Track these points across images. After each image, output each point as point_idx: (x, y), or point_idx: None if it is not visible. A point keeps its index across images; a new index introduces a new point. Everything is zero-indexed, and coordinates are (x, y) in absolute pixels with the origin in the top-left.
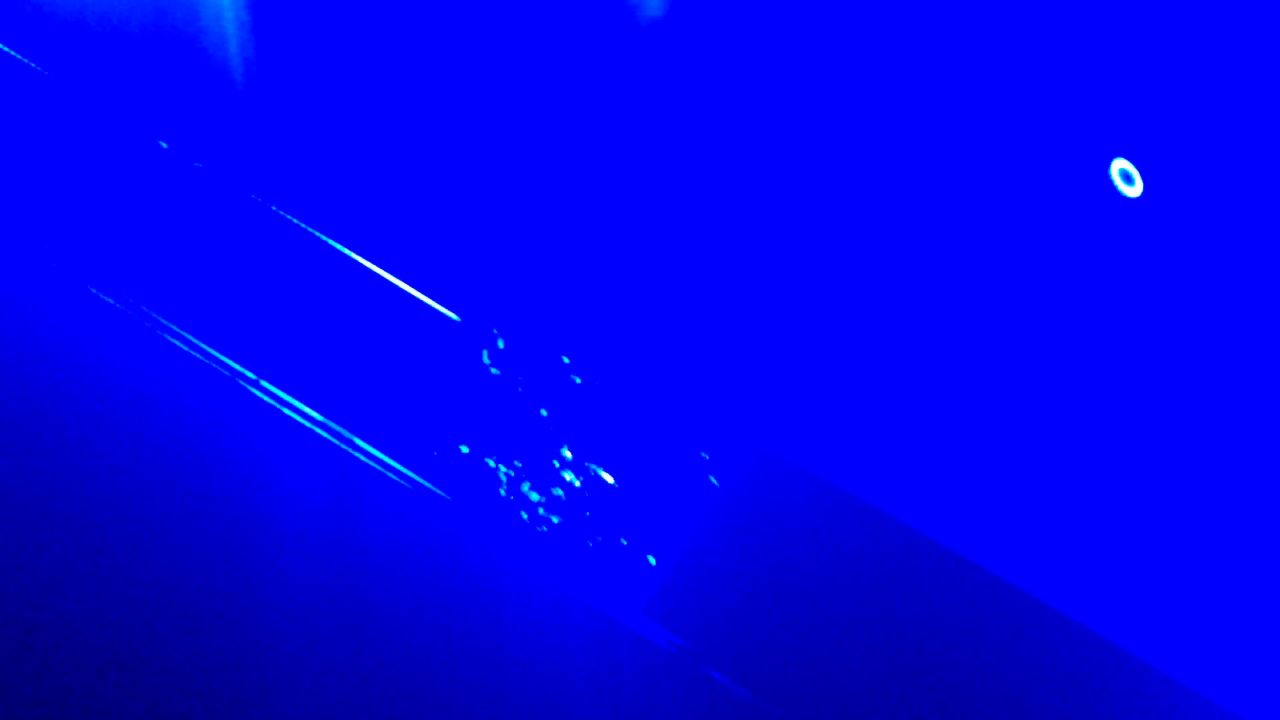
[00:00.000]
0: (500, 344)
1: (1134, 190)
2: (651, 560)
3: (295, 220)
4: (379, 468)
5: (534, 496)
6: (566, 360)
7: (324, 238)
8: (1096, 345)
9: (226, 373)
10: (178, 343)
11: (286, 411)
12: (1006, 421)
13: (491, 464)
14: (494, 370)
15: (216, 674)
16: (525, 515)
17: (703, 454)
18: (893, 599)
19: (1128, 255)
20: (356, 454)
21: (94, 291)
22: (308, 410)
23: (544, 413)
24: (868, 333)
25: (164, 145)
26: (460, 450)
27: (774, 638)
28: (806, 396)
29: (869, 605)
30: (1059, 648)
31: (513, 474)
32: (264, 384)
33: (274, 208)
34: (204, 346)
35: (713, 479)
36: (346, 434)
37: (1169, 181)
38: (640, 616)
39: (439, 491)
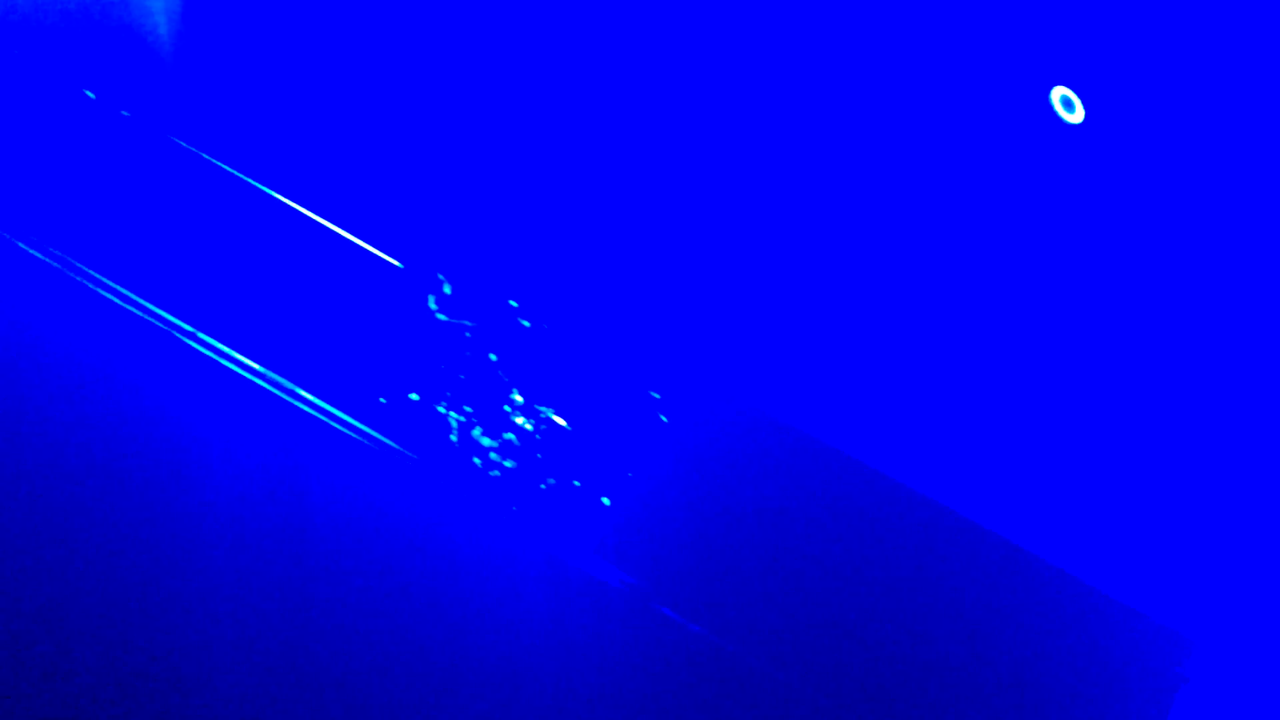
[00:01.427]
0: (446, 289)
1: (1075, 117)
2: (605, 501)
3: (233, 170)
4: (326, 419)
5: (486, 442)
6: (514, 304)
7: (263, 187)
8: (1059, 296)
9: (163, 325)
10: (110, 296)
11: (228, 365)
12: (956, 359)
13: (442, 410)
14: (441, 316)
15: (174, 637)
16: (478, 461)
17: (653, 393)
18: (842, 533)
19: (1098, 206)
20: (303, 406)
21: (13, 241)
22: (250, 363)
23: (493, 357)
24: (816, 266)
25: (90, 95)
26: (410, 398)
27: (726, 574)
28: (755, 333)
29: (819, 540)
30: (1008, 579)
31: (463, 420)
32: (203, 337)
33: (207, 157)
34: (138, 299)
35: (663, 418)
36: (291, 386)
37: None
38: (593, 557)
39: (388, 441)
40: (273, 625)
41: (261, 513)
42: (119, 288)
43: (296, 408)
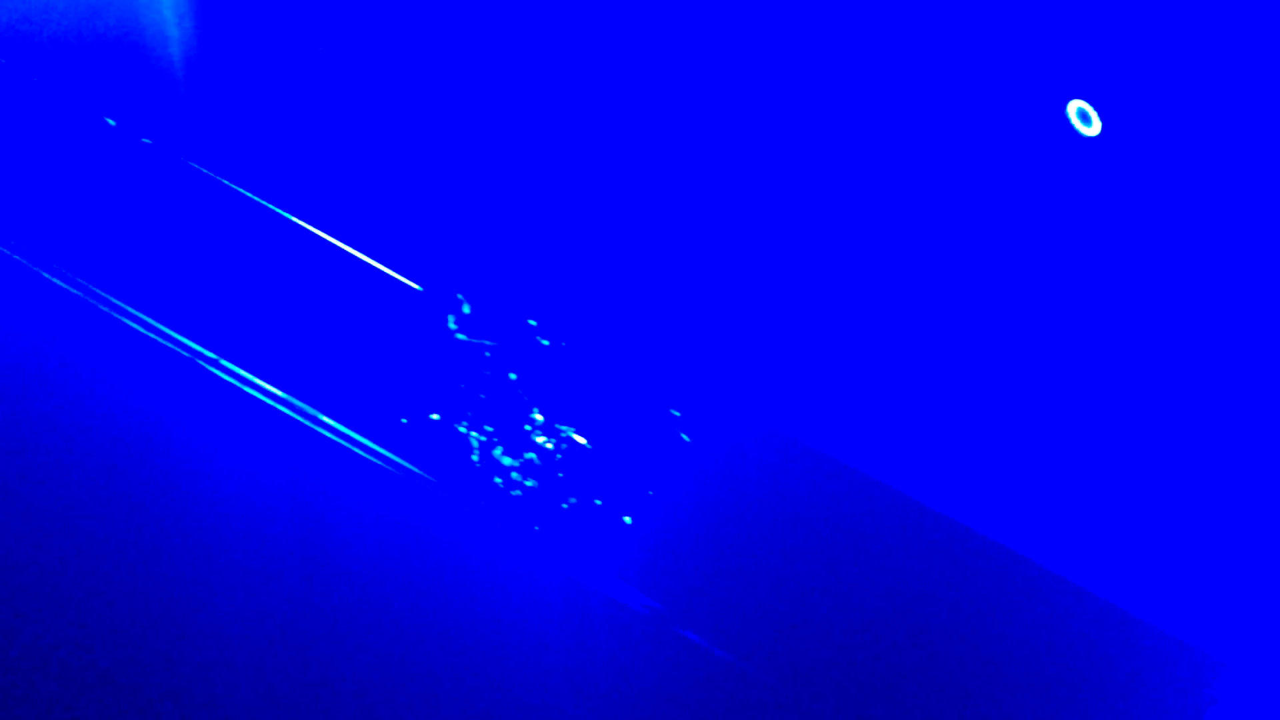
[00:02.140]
0: (465, 309)
1: (1092, 130)
2: (627, 520)
3: (248, 194)
4: (345, 442)
5: (506, 461)
6: (533, 323)
7: (280, 211)
8: (1070, 299)
9: (185, 353)
10: (131, 323)
11: (249, 390)
12: (978, 378)
13: (462, 430)
14: (460, 336)
15: (191, 655)
16: (499, 480)
17: (673, 411)
18: (868, 555)
19: (1105, 213)
20: (323, 430)
21: (39, 271)
22: (271, 388)
23: (513, 376)
24: (840, 288)
25: (111, 122)
26: (430, 418)
27: (748, 595)
28: (776, 351)
29: (842, 562)
30: (1036, 602)
31: (484, 439)
32: (224, 363)
33: (225, 181)
34: (159, 326)
35: (684, 436)
36: (312, 411)
37: (1130, 122)
38: (614, 579)
39: (408, 465)
40: (293, 647)
41: (280, 535)
42: (137, 312)
43: (315, 431)
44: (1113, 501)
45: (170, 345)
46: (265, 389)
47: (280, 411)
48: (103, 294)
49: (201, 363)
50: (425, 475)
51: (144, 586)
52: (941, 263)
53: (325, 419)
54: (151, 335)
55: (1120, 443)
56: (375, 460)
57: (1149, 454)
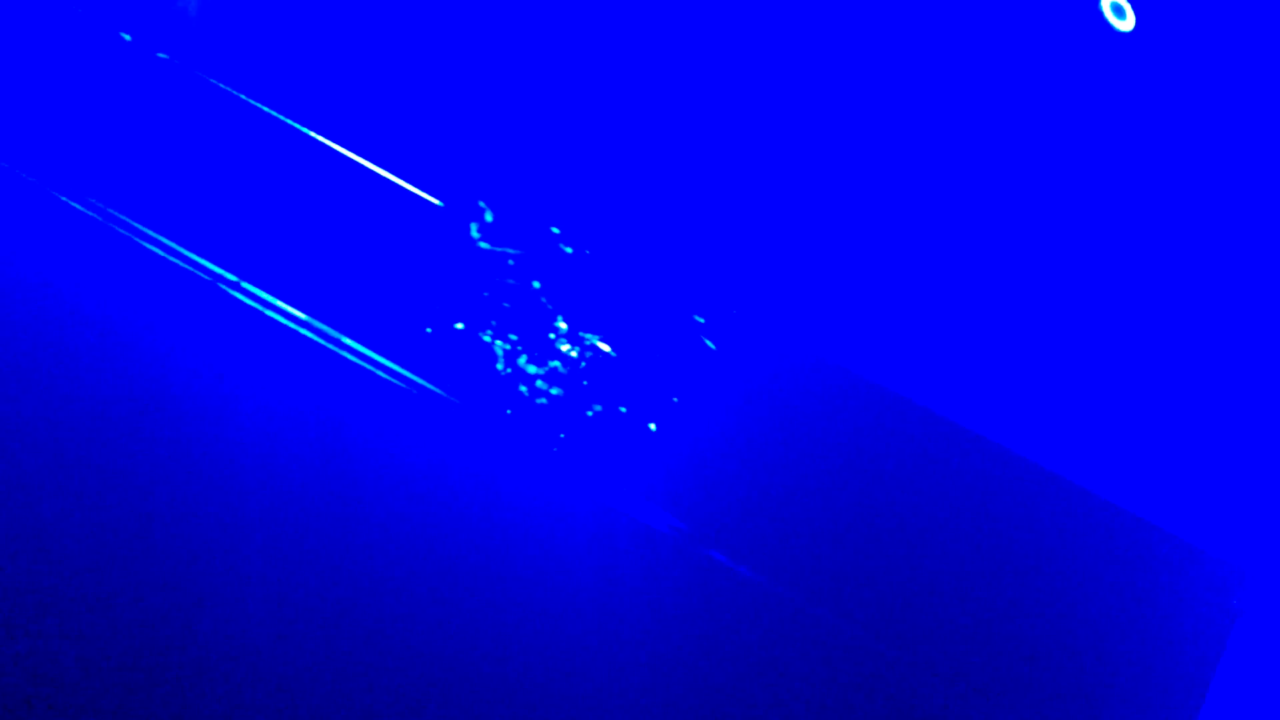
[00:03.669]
0: (489, 217)
1: (1126, 24)
2: (652, 427)
3: (266, 109)
4: (368, 365)
5: (531, 370)
6: (556, 230)
7: (296, 124)
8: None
9: (206, 276)
10: (150, 246)
11: (268, 312)
12: (1004, 290)
13: (487, 339)
14: (484, 244)
15: (219, 588)
16: (524, 389)
17: (697, 318)
18: (894, 470)
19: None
20: (344, 353)
21: (61, 197)
22: (291, 309)
23: (536, 285)
24: (862, 202)
25: (126, 37)
26: (455, 327)
27: (771, 511)
28: (800, 261)
29: (868, 476)
30: (1063, 517)
31: (509, 348)
32: (246, 286)
33: (243, 96)
34: (178, 248)
35: (709, 342)
36: (332, 333)
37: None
38: (640, 498)
39: (430, 385)
40: (319, 573)
41: (302, 459)
42: (150, 231)
43: (336, 354)
44: (1138, 413)
45: (187, 266)
46: (285, 310)
47: (300, 334)
48: (117, 214)
49: (222, 286)
50: (448, 395)
51: (164, 513)
52: (970, 166)
53: (346, 340)
54: (166, 255)
55: (1148, 355)
56: (397, 381)
57: (1177, 368)
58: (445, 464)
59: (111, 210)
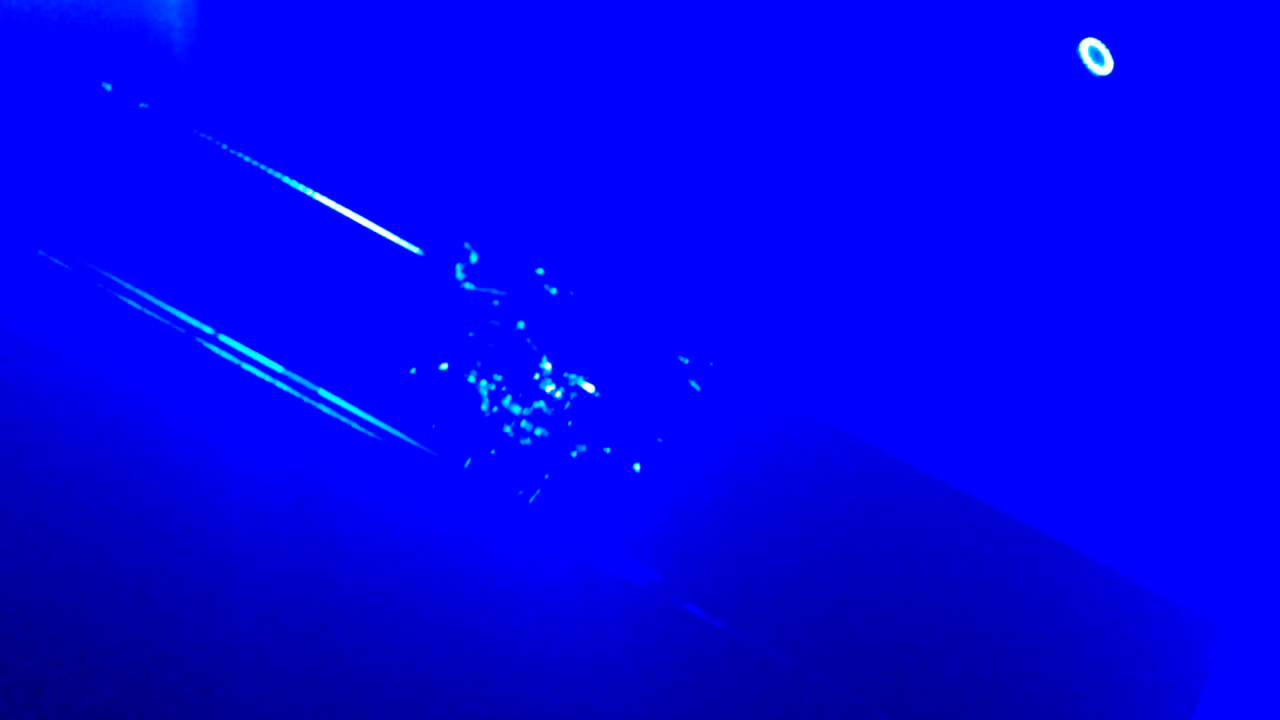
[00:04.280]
0: (473, 258)
1: (1103, 69)
2: (636, 467)
3: (247, 159)
4: (350, 421)
5: (516, 410)
6: (541, 271)
7: (276, 174)
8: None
9: (181, 330)
10: (124, 298)
11: (248, 367)
12: (975, 349)
13: (471, 380)
14: (468, 285)
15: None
16: (509, 429)
17: (682, 359)
18: (864, 519)
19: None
20: (326, 409)
21: (40, 252)
22: (269, 363)
23: (521, 325)
24: (845, 246)
25: (107, 88)
26: (439, 368)
27: (755, 566)
28: (783, 306)
29: (836, 524)
30: (1036, 568)
31: (494, 388)
32: (221, 337)
33: (223, 145)
34: (151, 299)
35: (693, 384)
36: (312, 387)
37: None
38: (620, 551)
39: (409, 439)
40: (302, 622)
41: (284, 511)
42: (128, 285)
43: (318, 409)
44: (1111, 466)
45: (161, 318)
46: (264, 365)
47: (279, 388)
48: (93, 266)
49: (199, 340)
50: (426, 448)
51: (129, 574)
52: (944, 225)
53: (324, 393)
54: (140, 307)
55: (1112, 408)
56: (372, 434)
57: (1143, 419)
58: (422, 517)
59: (88, 263)
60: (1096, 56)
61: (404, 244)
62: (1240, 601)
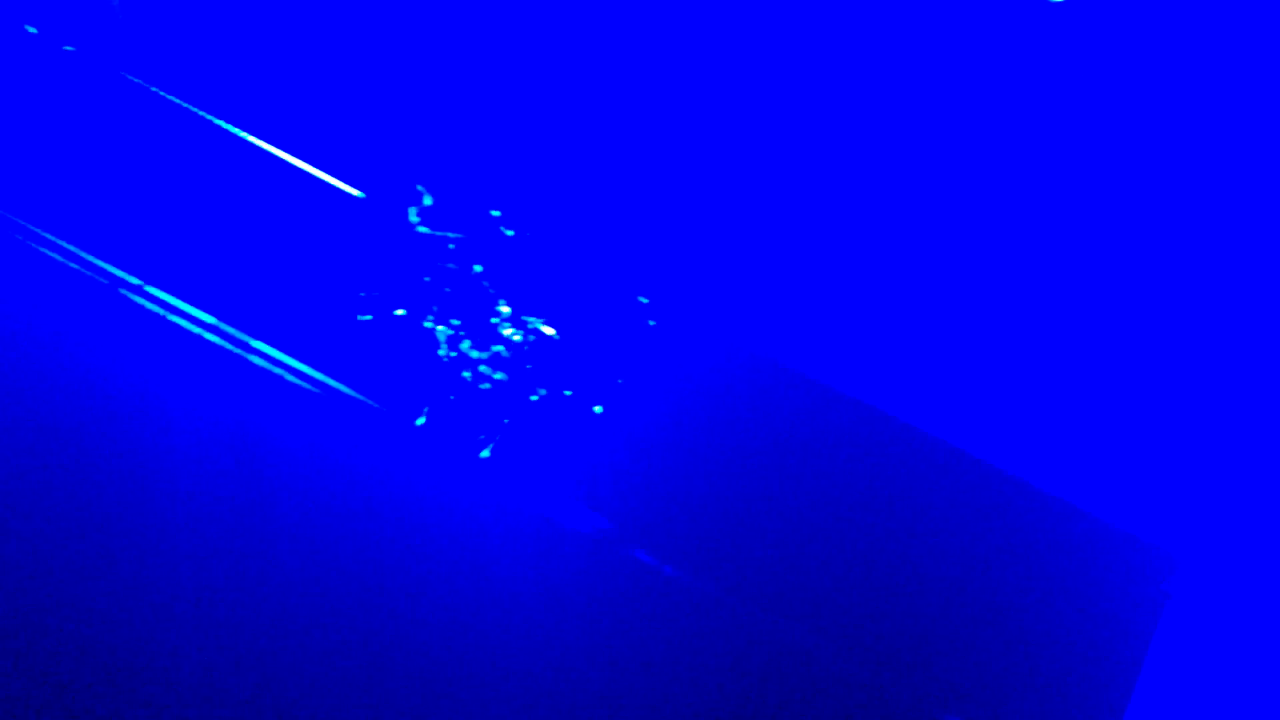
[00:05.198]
0: (427, 200)
1: None
2: (598, 409)
3: (181, 102)
4: (296, 379)
5: (475, 354)
6: (497, 213)
7: (212, 118)
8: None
9: (104, 280)
10: (47, 250)
11: (195, 329)
12: (935, 292)
13: (429, 324)
14: (423, 229)
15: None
16: (468, 375)
17: (640, 298)
18: (816, 455)
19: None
20: (270, 366)
21: None
22: (218, 323)
23: (478, 268)
24: (808, 195)
25: (32, 30)
26: (396, 314)
27: (716, 510)
28: (741, 243)
29: (794, 461)
30: (989, 500)
31: (451, 333)
32: (152, 290)
33: (154, 89)
34: (77, 251)
35: (651, 322)
36: (251, 342)
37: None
38: (580, 503)
39: (359, 396)
40: (253, 590)
41: (233, 474)
42: (52, 238)
43: (256, 364)
44: (1066, 401)
45: (86, 270)
46: (199, 319)
47: (218, 344)
48: (11, 216)
49: (129, 293)
50: (378, 405)
51: (72, 527)
52: (902, 173)
53: (268, 349)
54: (63, 259)
55: (1064, 341)
56: (320, 390)
57: (1100, 353)
58: (375, 476)
59: (6, 211)
60: None
61: (346, 188)
62: (1197, 534)
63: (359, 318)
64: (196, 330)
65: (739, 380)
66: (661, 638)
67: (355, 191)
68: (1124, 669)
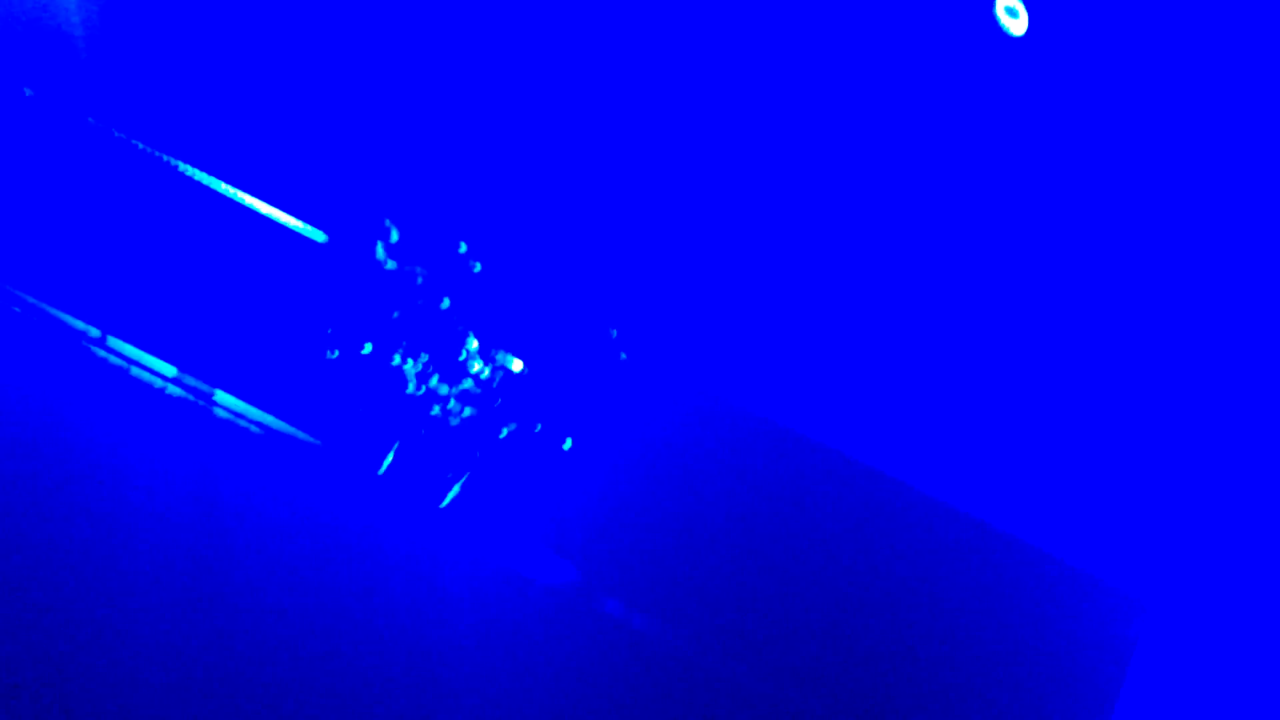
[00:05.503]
0: (394, 235)
1: (1018, 26)
2: (567, 444)
3: (140, 145)
4: (259, 430)
5: (443, 390)
6: (464, 247)
7: (172, 160)
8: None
9: (65, 333)
10: (12, 306)
11: (143, 375)
12: (901, 334)
13: (397, 360)
14: (390, 264)
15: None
16: (437, 410)
17: (611, 331)
18: (791, 506)
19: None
20: (232, 417)
21: None
22: (164, 368)
23: (446, 303)
24: (776, 219)
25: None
26: (363, 350)
27: (681, 573)
28: (712, 277)
29: (765, 511)
30: (958, 547)
31: (419, 369)
32: (114, 343)
33: (115, 133)
34: (33, 301)
35: (622, 355)
36: (207, 389)
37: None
38: (548, 550)
39: (310, 438)
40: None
41: (202, 528)
42: (9, 288)
43: (214, 413)
44: (1032, 447)
45: (44, 321)
46: (159, 370)
47: (176, 395)
48: None
49: (91, 346)
50: (336, 449)
51: (53, 585)
52: (863, 202)
53: (226, 399)
54: (19, 310)
55: (1037, 389)
56: (278, 438)
57: (1073, 403)
58: (335, 524)
59: None
60: (1013, 14)
61: (308, 230)
62: (1164, 579)
63: (327, 355)
64: (158, 383)
65: (713, 423)
66: (632, 693)
67: (319, 234)
68: (1094, 713)
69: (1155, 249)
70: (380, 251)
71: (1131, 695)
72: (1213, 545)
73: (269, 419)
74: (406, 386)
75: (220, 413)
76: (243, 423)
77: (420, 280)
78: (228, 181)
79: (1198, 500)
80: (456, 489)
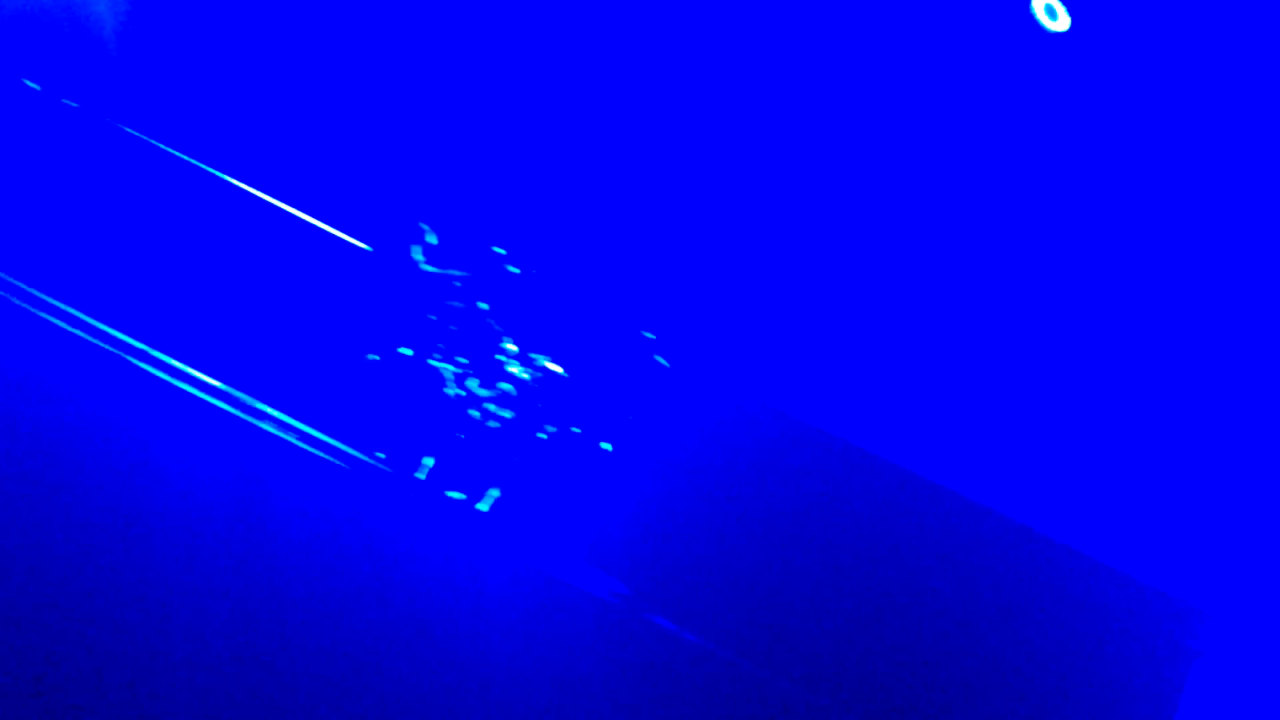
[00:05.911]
0: (431, 239)
1: (1058, 25)
2: (606, 447)
3: (182, 156)
4: (300, 442)
5: (482, 393)
6: (501, 250)
7: (213, 171)
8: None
9: (113, 348)
10: (46, 315)
11: (193, 390)
12: (950, 337)
13: (435, 363)
14: (427, 267)
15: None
16: (475, 413)
17: (647, 334)
18: (841, 515)
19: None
20: (271, 427)
21: None
22: (213, 383)
23: (484, 306)
24: (810, 224)
25: (34, 86)
26: (402, 353)
27: (727, 585)
28: (748, 281)
29: (812, 518)
30: (1016, 559)
31: (458, 372)
32: (159, 356)
33: (156, 143)
34: (81, 316)
35: (660, 359)
36: (264, 408)
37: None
38: (586, 567)
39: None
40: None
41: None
42: (55, 302)
43: (261, 427)
44: (1091, 457)
45: (92, 337)
46: (208, 385)
47: (226, 410)
48: (14, 281)
49: (135, 360)
50: (380, 464)
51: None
52: (905, 211)
53: (271, 411)
54: (66, 325)
55: (1095, 397)
56: (324, 452)
57: (1125, 409)
58: (378, 536)
59: (10, 275)
60: (1051, 13)
61: (352, 240)
62: (1226, 589)
63: (367, 357)
64: (196, 393)
65: (756, 430)
66: (680, 710)
67: (363, 245)
68: None
69: (1210, 245)
70: (418, 255)
71: (1193, 709)
72: (1274, 550)
73: (304, 426)
74: (444, 389)
75: (257, 421)
76: (279, 430)
77: (458, 284)
78: (263, 188)
79: (1262, 508)
80: (495, 492)
